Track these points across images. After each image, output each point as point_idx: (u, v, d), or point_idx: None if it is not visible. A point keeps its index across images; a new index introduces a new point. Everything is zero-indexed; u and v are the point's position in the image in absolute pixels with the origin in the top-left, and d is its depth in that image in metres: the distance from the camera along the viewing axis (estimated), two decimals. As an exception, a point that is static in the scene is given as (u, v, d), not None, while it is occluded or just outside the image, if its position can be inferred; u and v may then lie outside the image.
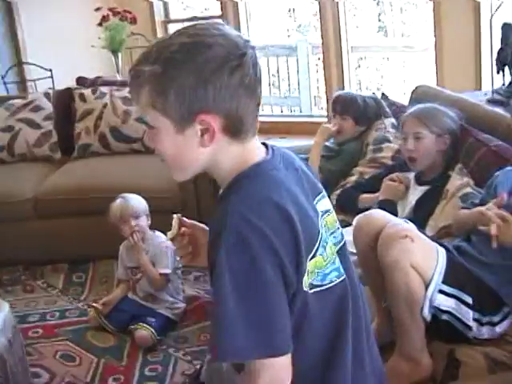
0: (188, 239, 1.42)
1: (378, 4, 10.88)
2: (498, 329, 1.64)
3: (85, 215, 3.49)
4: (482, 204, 1.86)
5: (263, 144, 1.27)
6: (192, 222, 1.45)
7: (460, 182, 2.12)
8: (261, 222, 1.10)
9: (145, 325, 2.77)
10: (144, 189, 3.09)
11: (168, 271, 2.87)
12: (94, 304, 2.91)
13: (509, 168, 1.89)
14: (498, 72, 2.84)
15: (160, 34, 6.29)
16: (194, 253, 1.44)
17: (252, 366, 1.15)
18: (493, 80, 2.96)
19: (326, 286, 1.21)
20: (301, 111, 7.55)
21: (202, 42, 1.12)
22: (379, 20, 10.96)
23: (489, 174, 1.95)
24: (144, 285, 2.90)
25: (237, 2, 5.92)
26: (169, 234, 1.44)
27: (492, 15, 2.87)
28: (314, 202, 1.26)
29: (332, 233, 1.28)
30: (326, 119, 5.17)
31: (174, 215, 1.46)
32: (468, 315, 1.61)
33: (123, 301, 2.92)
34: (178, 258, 1.52)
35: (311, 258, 1.18)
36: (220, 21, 1.18)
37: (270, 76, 7.79)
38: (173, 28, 6.59)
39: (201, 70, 1.11)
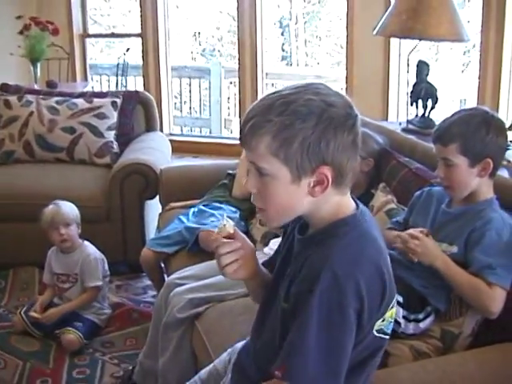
0: (239, 246, 1.42)
1: (282, 34, 11.32)
2: (422, 325, 1.84)
3: (5, 222, 3.47)
4: (406, 221, 2.10)
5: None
6: (241, 234, 1.46)
7: (384, 199, 2.35)
8: (358, 272, 1.21)
9: (72, 329, 2.81)
10: (69, 197, 3.10)
11: (100, 283, 2.93)
12: (35, 314, 2.87)
13: (427, 189, 2.13)
14: (411, 104, 3.13)
15: (77, 48, 6.31)
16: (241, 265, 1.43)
17: None
18: (407, 111, 3.25)
19: (387, 336, 1.33)
20: (210, 132, 7.72)
21: (326, 101, 1.22)
22: (283, 50, 11.40)
23: (410, 192, 2.18)
24: (71, 294, 2.94)
25: (157, 21, 6.04)
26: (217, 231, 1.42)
27: (410, 52, 3.17)
28: None
29: None
30: (237, 141, 5.38)
31: (225, 216, 1.47)
32: (399, 313, 1.80)
33: (49, 306, 2.93)
34: (222, 267, 1.41)
35: (391, 308, 1.30)
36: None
37: (181, 96, 7.93)
38: (89, 42, 6.63)
39: (325, 126, 1.20)
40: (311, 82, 1.27)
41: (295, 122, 1.20)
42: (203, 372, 1.73)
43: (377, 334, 1.29)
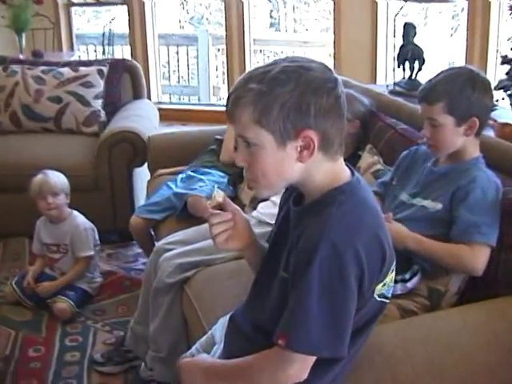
0: (229, 217, 1.43)
1: (270, 1, 11.22)
2: (409, 285, 1.84)
3: (-5, 192, 3.46)
4: (392, 180, 2.11)
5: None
6: (234, 206, 1.47)
7: (371, 160, 2.35)
8: (356, 240, 1.21)
9: (64, 298, 2.82)
10: (57, 167, 3.09)
11: (92, 253, 2.94)
12: (32, 286, 2.89)
13: (414, 148, 2.13)
14: (398, 66, 3.12)
15: (62, 17, 6.23)
16: (230, 236, 1.43)
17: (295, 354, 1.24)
18: (394, 74, 3.23)
19: (387, 300, 1.36)
20: (199, 100, 7.67)
21: (303, 66, 1.24)
22: (271, 16, 11.29)
23: (396, 153, 2.17)
24: (63, 264, 2.95)
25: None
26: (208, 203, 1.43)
27: (396, 14, 3.14)
28: None
29: None
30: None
31: (216, 187, 1.47)
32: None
33: (41, 277, 2.95)
34: (213, 237, 1.43)
35: (391, 273, 1.33)
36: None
37: (169, 65, 7.86)
38: (74, 11, 6.54)
39: (304, 89, 1.22)
40: (288, 55, 1.31)
41: (274, 88, 1.22)
42: (203, 339, 1.74)
43: (378, 299, 1.31)
